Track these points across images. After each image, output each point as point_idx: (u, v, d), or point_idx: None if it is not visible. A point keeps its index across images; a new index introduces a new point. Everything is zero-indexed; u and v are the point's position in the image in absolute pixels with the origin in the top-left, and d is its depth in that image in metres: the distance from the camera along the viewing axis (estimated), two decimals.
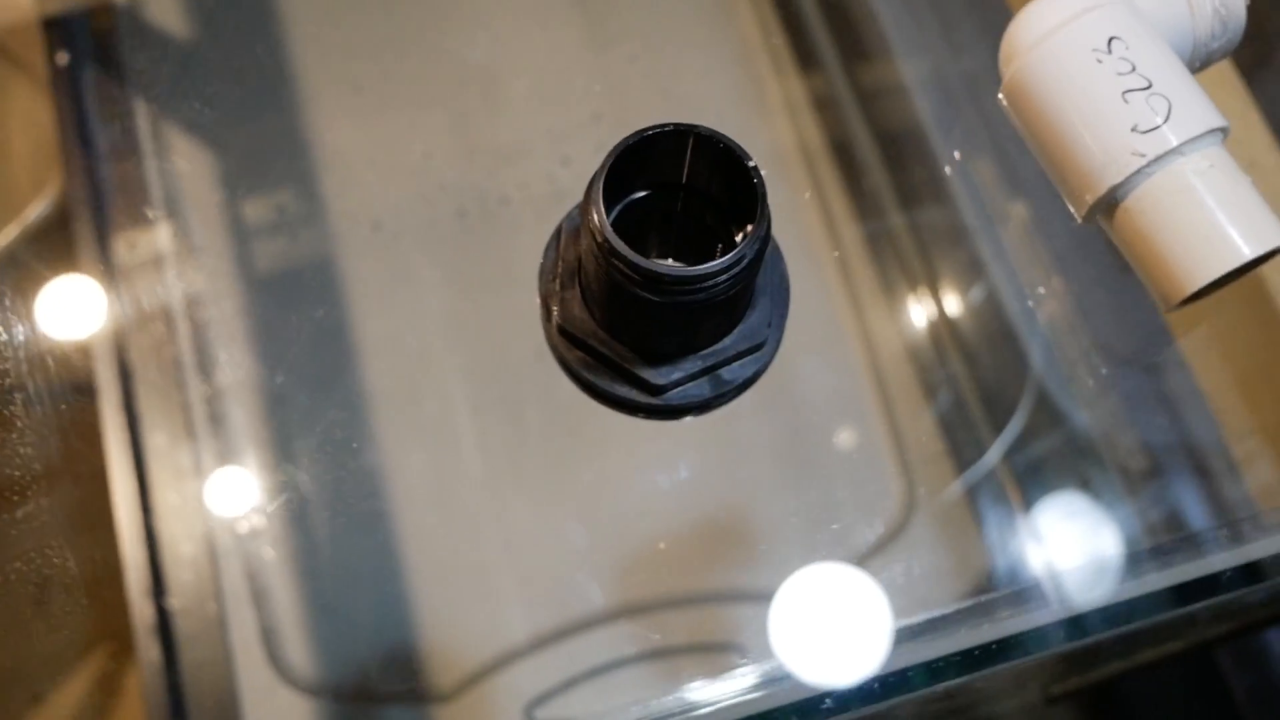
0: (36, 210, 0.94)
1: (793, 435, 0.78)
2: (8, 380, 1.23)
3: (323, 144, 0.84)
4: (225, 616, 0.69)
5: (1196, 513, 0.74)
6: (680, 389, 0.35)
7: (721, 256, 0.30)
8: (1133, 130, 0.30)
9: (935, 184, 0.85)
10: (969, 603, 0.73)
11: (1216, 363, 0.74)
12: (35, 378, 1.22)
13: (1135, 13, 0.31)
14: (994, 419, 0.77)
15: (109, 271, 0.78)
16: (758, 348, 0.35)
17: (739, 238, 0.31)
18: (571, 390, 0.81)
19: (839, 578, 0.70)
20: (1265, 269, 0.49)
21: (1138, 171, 0.29)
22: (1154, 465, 0.74)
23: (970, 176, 0.83)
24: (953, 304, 0.81)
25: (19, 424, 1.32)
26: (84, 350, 0.76)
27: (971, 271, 0.81)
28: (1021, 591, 0.73)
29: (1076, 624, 0.69)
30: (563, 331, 0.36)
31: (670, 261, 0.37)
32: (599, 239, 0.31)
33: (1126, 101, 0.30)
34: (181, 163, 0.83)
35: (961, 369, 0.79)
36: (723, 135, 0.32)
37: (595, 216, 0.31)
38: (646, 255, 0.31)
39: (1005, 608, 0.73)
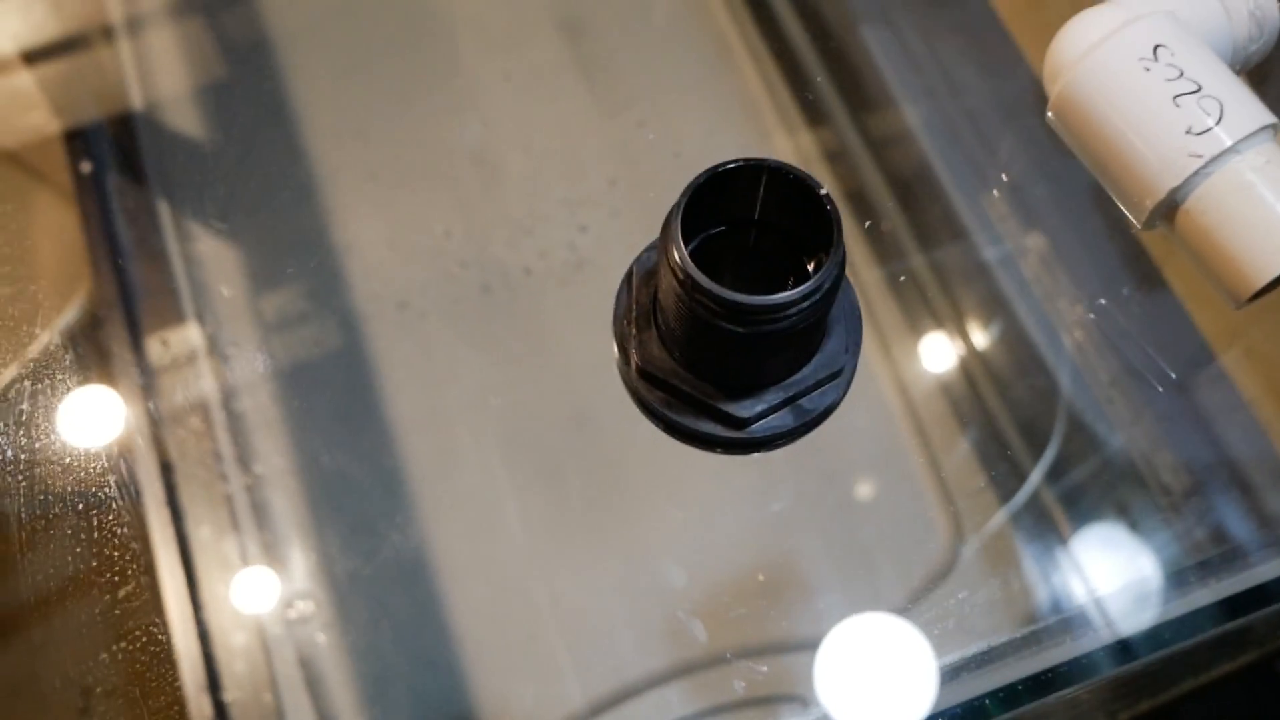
0: (67, 317, 0.95)
1: (830, 481, 0.78)
2: (43, 489, 1.24)
3: (343, 231, 0.85)
4: (282, 706, 0.69)
5: (1241, 527, 0.74)
6: (763, 421, 0.35)
7: (793, 287, 0.31)
8: (1187, 133, 0.30)
9: (950, 222, 0.86)
10: (1018, 634, 0.72)
11: (1261, 372, 0.74)
12: (71, 484, 1.23)
13: (1176, 21, 0.32)
14: (1032, 449, 0.77)
15: (143, 371, 0.79)
16: (837, 374, 0.35)
17: (811, 267, 0.32)
18: (607, 453, 0.82)
19: (888, 624, 0.70)
20: None
21: (1196, 173, 0.30)
22: (1196, 483, 0.74)
23: (984, 212, 0.84)
24: (979, 339, 0.82)
25: (59, 530, 1.33)
26: (120, 449, 0.77)
27: (995, 305, 0.82)
28: (1068, 619, 0.73)
29: (1126, 648, 0.68)
30: (643, 373, 0.36)
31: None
32: (680, 275, 0.31)
33: (1178, 106, 0.31)
34: (207, 260, 0.84)
35: (995, 403, 0.79)
36: (793, 167, 0.32)
37: (675, 253, 0.31)
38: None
39: (1052, 637, 0.72)
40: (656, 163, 0.88)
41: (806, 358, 0.35)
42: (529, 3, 0.97)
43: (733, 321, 0.31)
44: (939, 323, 0.83)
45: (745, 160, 0.33)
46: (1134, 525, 0.75)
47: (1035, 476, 0.76)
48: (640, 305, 0.36)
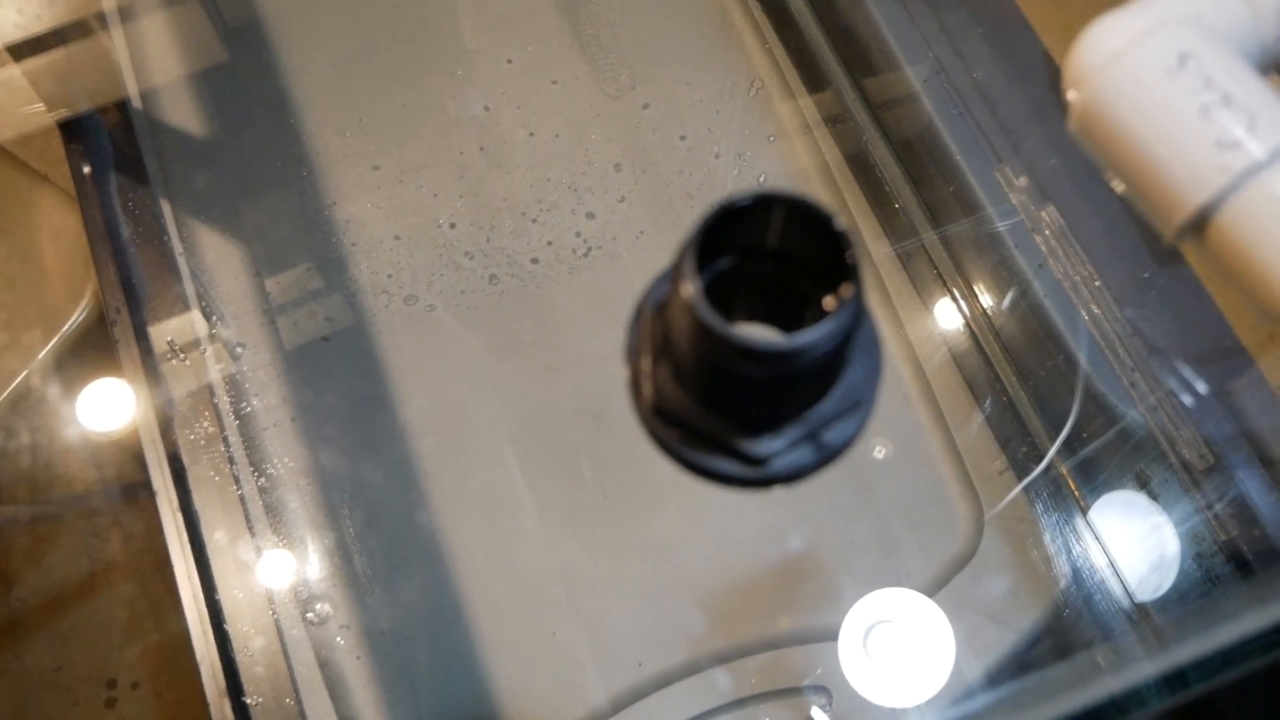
0: (74, 316, 0.95)
1: (855, 467, 0.77)
2: (60, 481, 1.24)
3: (347, 223, 0.84)
4: (303, 709, 0.69)
5: (1266, 504, 0.73)
6: (783, 457, 0.34)
7: (810, 318, 0.30)
8: (1216, 146, 0.29)
9: (962, 194, 0.84)
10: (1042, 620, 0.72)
11: None
12: (88, 480, 1.23)
13: (1201, 25, 0.30)
14: (1054, 430, 0.76)
15: (151, 370, 0.79)
16: (857, 406, 0.34)
17: (828, 300, 0.31)
18: (619, 443, 0.81)
19: (916, 609, 0.69)
20: None
21: (1225, 187, 0.29)
22: (1218, 462, 0.73)
23: (997, 183, 0.83)
24: (998, 316, 0.81)
25: (79, 525, 1.33)
26: (134, 450, 0.77)
27: (1013, 280, 0.81)
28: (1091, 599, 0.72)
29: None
30: (657, 410, 0.35)
31: (762, 329, 0.37)
32: (695, 319, 0.30)
33: (1206, 118, 0.29)
34: (212, 259, 0.83)
35: (1013, 381, 0.78)
36: (809, 200, 0.31)
37: (689, 295, 0.30)
38: (734, 320, 0.30)
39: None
40: (662, 145, 0.86)
41: (825, 391, 0.34)
42: None
43: (749, 364, 0.30)
44: (952, 297, 0.82)
45: (758, 194, 0.31)
46: (1156, 502, 0.74)
47: (1053, 457, 0.75)
48: (653, 339, 0.35)
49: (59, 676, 1.28)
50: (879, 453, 0.78)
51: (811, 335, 0.30)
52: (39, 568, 1.33)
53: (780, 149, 0.86)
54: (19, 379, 0.93)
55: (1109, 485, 0.76)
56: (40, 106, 0.89)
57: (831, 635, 0.70)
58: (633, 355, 0.37)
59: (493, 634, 0.72)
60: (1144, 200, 0.31)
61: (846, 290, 0.31)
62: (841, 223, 0.30)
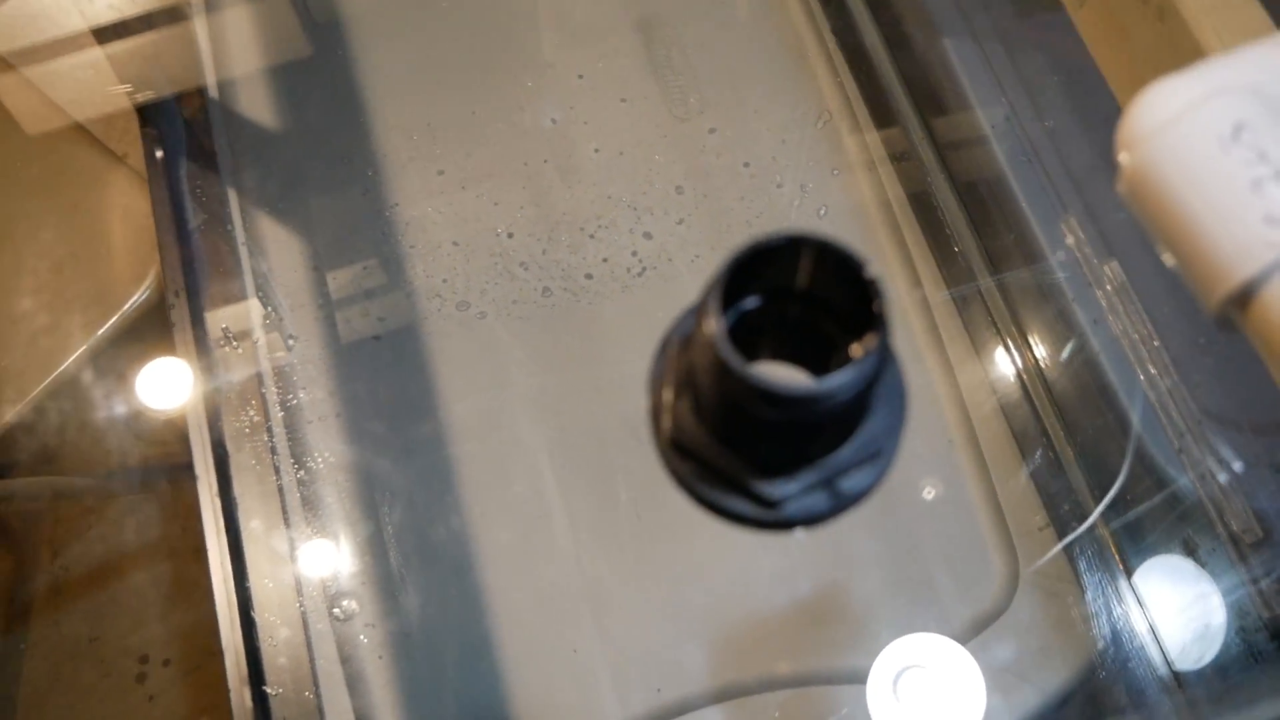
0: (136, 296, 0.97)
1: (891, 509, 0.76)
2: (111, 456, 1.26)
3: (407, 225, 0.85)
4: (322, 704, 0.69)
5: None
6: (797, 502, 0.33)
7: (837, 362, 0.29)
8: (1265, 221, 0.28)
9: (1023, 241, 0.83)
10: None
11: None
12: (138, 457, 1.26)
13: (1260, 96, 0.30)
14: (1100, 489, 0.75)
15: (204, 355, 0.80)
16: (875, 456, 0.34)
17: (854, 347, 0.31)
18: (657, 466, 0.81)
19: (949, 657, 0.68)
20: None
21: (1272, 264, 0.28)
22: (1268, 536, 0.71)
23: (1060, 234, 0.82)
24: (1051, 368, 0.79)
25: (126, 501, 1.35)
26: (181, 432, 0.78)
27: (1069, 334, 0.79)
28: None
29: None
30: (674, 444, 0.35)
31: (786, 371, 0.36)
32: (711, 354, 0.30)
33: (1258, 191, 0.29)
34: (273, 247, 0.85)
35: (1060, 435, 0.77)
36: (841, 245, 0.31)
37: (711, 331, 0.30)
38: (760, 359, 0.30)
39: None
40: (725, 172, 0.86)
41: (844, 438, 0.34)
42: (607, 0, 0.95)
43: (765, 406, 0.30)
44: (1006, 346, 0.80)
45: (789, 236, 0.31)
46: (1202, 571, 0.73)
47: (1097, 518, 0.74)
48: (677, 372, 0.35)
49: (94, 647, 1.30)
50: (928, 494, 0.77)
51: (832, 382, 0.30)
52: (84, 539, 1.36)
53: (843, 182, 0.86)
54: (77, 353, 0.95)
55: (1154, 549, 0.74)
56: (123, 89, 0.91)
57: (858, 678, 0.69)
58: (655, 386, 0.36)
59: (514, 645, 0.72)
60: (1188, 270, 0.30)
61: (870, 341, 0.30)
62: (872, 270, 0.30)
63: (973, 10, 0.90)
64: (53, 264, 0.99)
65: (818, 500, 0.34)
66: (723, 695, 0.71)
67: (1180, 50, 0.52)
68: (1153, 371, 0.76)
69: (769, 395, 0.29)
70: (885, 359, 0.31)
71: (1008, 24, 0.89)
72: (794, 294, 0.34)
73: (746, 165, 0.86)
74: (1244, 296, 0.29)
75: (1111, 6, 0.59)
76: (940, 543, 0.75)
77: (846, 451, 0.33)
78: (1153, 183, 0.30)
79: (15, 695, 1.27)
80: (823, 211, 0.85)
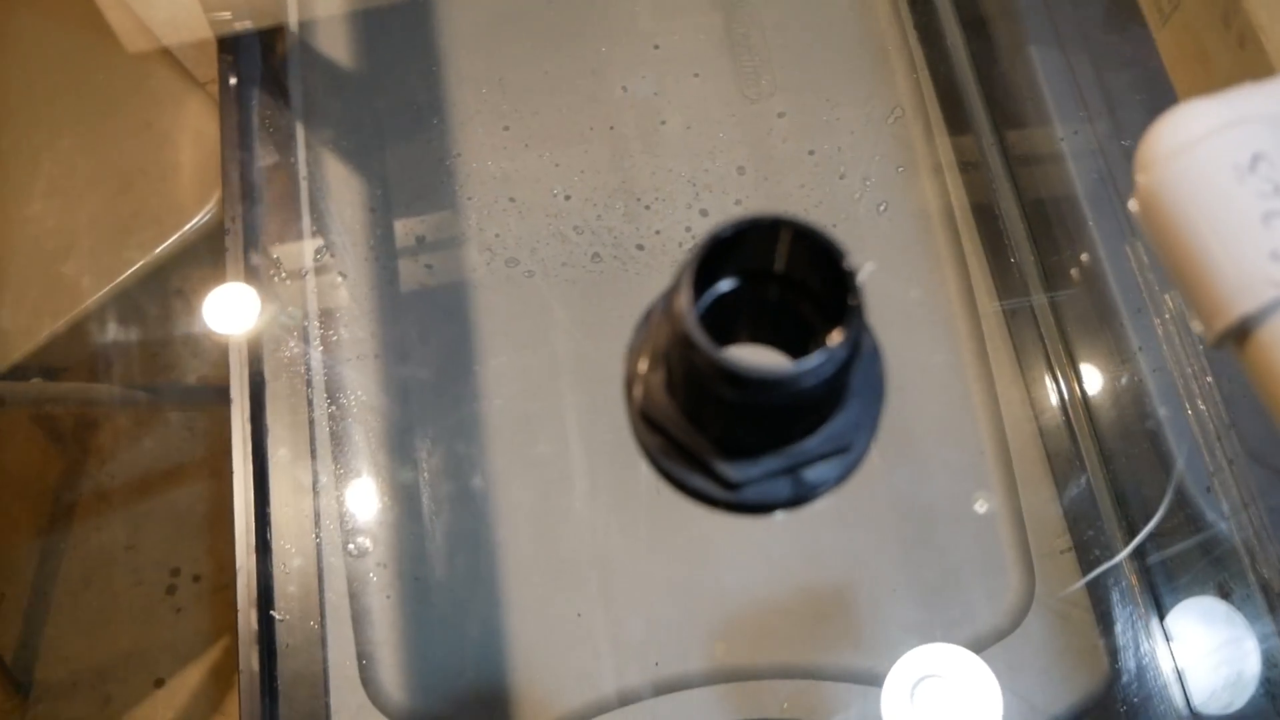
0: (197, 217, 0.98)
1: (913, 513, 0.75)
2: (166, 371, 1.29)
3: (467, 177, 0.86)
4: (326, 635, 0.70)
5: None
6: (758, 486, 0.33)
7: (814, 348, 0.29)
8: (1271, 256, 0.27)
9: (1085, 261, 0.81)
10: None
11: None
12: (192, 374, 1.28)
13: None
14: (1128, 518, 0.73)
15: (254, 283, 0.81)
16: (842, 450, 0.33)
17: (832, 334, 0.30)
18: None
19: (968, 670, 0.67)
20: None
21: (1272, 301, 0.27)
22: None
23: (1125, 258, 0.80)
24: (1094, 392, 0.78)
25: (175, 417, 1.38)
26: (224, 356, 0.79)
27: (1118, 359, 0.78)
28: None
29: None
30: (643, 415, 0.35)
31: (761, 353, 0.36)
32: (680, 329, 0.30)
33: (1268, 225, 0.28)
34: (333, 184, 0.86)
35: (1095, 460, 0.75)
36: (819, 230, 0.30)
37: (680, 306, 0.30)
38: (737, 342, 0.30)
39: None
40: (789, 158, 0.85)
41: (813, 428, 0.33)
42: None
43: (727, 386, 0.30)
44: (1051, 367, 0.79)
45: (771, 218, 0.31)
46: (1233, 616, 0.71)
47: (1128, 550, 0.72)
48: (655, 345, 0.35)
49: (129, 555, 1.33)
50: (980, 507, 0.76)
51: (796, 369, 0.29)
52: (132, 450, 1.40)
53: (906, 182, 0.85)
54: (135, 267, 0.97)
55: (1187, 590, 0.72)
56: (213, 16, 0.93)
57: (866, 678, 0.68)
58: (633, 356, 0.36)
59: (518, 601, 0.72)
60: (1190, 297, 0.29)
61: (837, 335, 0.30)
62: (851, 262, 0.30)
63: (1063, 19, 0.87)
64: (121, 178, 1.01)
65: (779, 487, 0.34)
66: (721, 677, 0.70)
67: (1258, 77, 0.50)
68: (1202, 408, 0.74)
69: (731, 376, 0.29)
70: (858, 352, 0.30)
71: (1097, 36, 0.86)
72: (774, 277, 0.33)
73: (811, 153, 0.85)
74: (1242, 331, 0.28)
75: (1193, 29, 0.57)
76: (958, 552, 0.74)
77: (814, 441, 0.33)
78: (1165, 205, 0.29)
79: (50, 592, 1.31)
80: (883, 208, 0.84)
